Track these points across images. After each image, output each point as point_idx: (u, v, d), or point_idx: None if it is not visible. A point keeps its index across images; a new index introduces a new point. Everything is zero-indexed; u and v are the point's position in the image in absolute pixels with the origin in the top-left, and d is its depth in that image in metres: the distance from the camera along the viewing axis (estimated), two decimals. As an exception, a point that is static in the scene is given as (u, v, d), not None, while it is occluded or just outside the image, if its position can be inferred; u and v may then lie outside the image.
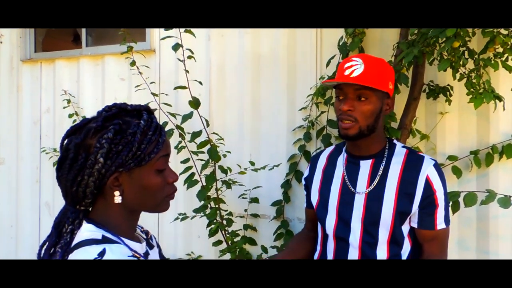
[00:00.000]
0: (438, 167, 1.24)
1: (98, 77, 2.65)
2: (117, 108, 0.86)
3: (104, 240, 0.81)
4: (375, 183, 1.25)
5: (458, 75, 1.57)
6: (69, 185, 0.81)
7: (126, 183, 0.83)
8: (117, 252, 0.79)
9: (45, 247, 0.84)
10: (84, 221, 0.85)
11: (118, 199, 0.83)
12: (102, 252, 0.78)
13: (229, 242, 2.00)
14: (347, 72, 1.21)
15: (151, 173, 0.85)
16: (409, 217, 1.23)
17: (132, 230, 0.90)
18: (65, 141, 0.84)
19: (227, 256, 2.05)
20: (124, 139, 0.81)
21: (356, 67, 1.20)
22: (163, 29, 2.27)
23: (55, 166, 0.85)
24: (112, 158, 0.80)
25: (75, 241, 0.82)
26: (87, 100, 2.67)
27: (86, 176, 0.80)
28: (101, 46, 2.66)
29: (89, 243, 0.80)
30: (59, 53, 2.78)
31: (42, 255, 0.84)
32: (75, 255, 0.80)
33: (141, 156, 0.82)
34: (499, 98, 1.51)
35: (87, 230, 0.83)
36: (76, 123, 0.86)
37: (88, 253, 0.78)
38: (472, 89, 1.53)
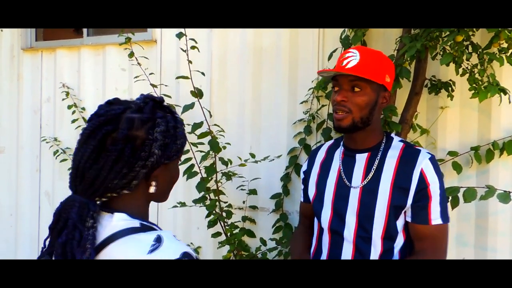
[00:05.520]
0: (434, 161, 1.22)
1: (99, 67, 2.63)
2: (151, 100, 0.85)
3: (144, 227, 0.80)
4: (370, 177, 1.24)
5: (461, 70, 1.56)
6: (112, 177, 0.77)
7: (161, 175, 0.85)
8: (170, 237, 0.79)
9: (68, 245, 0.75)
10: (105, 212, 0.81)
11: (153, 189, 0.84)
12: (158, 238, 0.77)
13: (228, 234, 2.00)
14: (343, 64, 1.21)
15: (177, 165, 0.90)
16: (403, 211, 1.21)
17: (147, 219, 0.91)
18: (99, 131, 0.78)
19: (226, 248, 2.05)
20: (168, 132, 0.83)
21: (351, 58, 1.20)
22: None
23: (85, 157, 0.78)
24: (163, 150, 0.82)
25: (109, 231, 0.78)
26: (87, 90, 2.66)
27: (138, 168, 0.79)
28: (102, 36, 2.64)
29: (132, 232, 0.78)
30: (60, 42, 2.76)
31: (69, 254, 0.74)
32: (122, 244, 0.76)
33: (180, 149, 0.87)
34: (504, 91, 1.50)
35: (121, 219, 0.79)
36: (106, 111, 0.80)
37: (140, 241, 0.76)
38: (474, 84, 1.53)
